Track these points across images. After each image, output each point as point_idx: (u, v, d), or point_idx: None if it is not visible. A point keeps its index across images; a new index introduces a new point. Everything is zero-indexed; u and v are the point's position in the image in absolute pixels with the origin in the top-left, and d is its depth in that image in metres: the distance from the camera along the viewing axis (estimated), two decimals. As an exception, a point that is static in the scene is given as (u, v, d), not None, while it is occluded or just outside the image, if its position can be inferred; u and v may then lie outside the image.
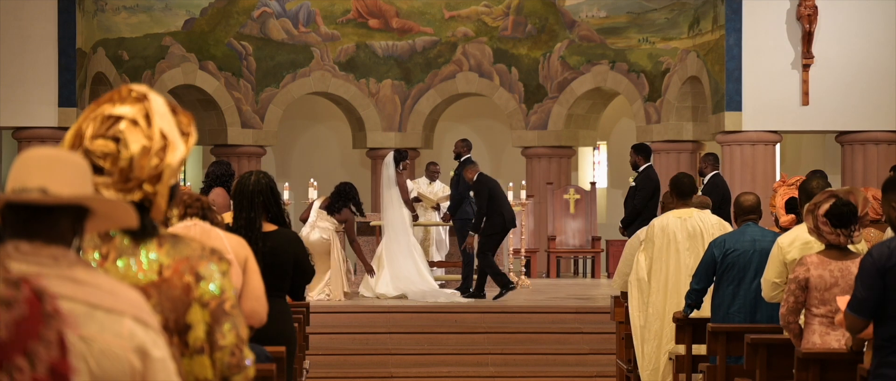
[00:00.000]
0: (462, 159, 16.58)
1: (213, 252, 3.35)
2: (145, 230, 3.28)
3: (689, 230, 9.96)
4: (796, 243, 7.73)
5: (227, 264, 3.36)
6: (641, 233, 10.48)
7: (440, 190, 17.91)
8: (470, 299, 15.82)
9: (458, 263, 16.83)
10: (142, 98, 3.21)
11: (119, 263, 3.28)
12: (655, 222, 10.15)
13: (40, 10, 18.36)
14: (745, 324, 8.84)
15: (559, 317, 15.04)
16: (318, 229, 15.45)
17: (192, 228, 5.87)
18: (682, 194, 10.13)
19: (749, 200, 9.26)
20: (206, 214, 6.05)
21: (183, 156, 3.20)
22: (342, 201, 15.48)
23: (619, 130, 23.13)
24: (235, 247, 5.89)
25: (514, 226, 16.04)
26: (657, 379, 10.03)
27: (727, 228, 10.09)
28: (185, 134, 3.22)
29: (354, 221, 15.66)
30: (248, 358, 3.35)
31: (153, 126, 3.18)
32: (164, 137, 3.18)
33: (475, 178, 15.80)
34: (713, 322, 9.02)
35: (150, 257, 3.28)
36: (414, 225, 16.56)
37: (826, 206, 6.87)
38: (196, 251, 3.31)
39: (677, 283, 9.93)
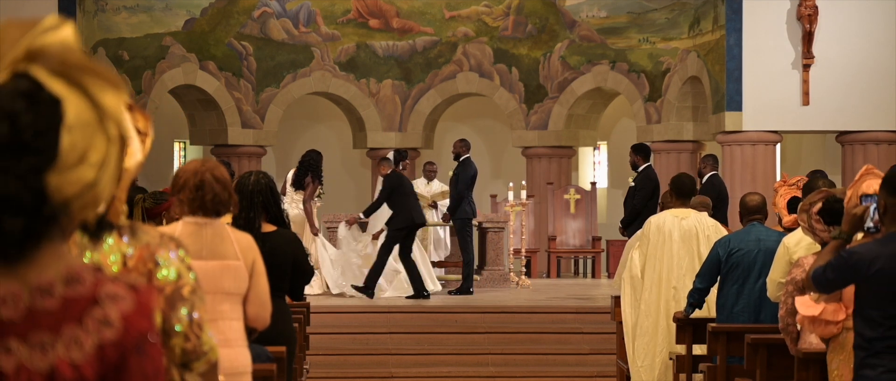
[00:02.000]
0: (461, 159, 16.59)
1: (172, 239, 3.34)
2: (102, 228, 3.26)
3: (684, 230, 9.98)
4: (803, 242, 7.72)
5: (184, 251, 3.35)
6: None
7: (437, 189, 17.93)
8: (462, 296, 15.96)
9: (459, 263, 16.84)
10: None
11: (84, 259, 3.27)
12: (652, 219, 10.18)
13: (40, 10, 18.36)
14: (749, 324, 8.85)
15: (559, 317, 15.04)
16: (293, 203, 15.77)
17: (205, 227, 5.69)
18: (682, 193, 10.16)
19: (754, 200, 9.27)
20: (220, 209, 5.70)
21: (141, 159, 3.07)
22: (303, 171, 15.80)
23: (619, 130, 23.14)
24: (245, 248, 5.72)
25: (423, 224, 15.98)
26: (652, 377, 10.03)
27: (723, 231, 10.11)
28: (142, 134, 3.09)
29: (313, 187, 15.88)
30: (208, 344, 3.31)
31: None
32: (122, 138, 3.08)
33: (388, 172, 15.85)
34: (717, 322, 9.03)
35: (112, 249, 3.27)
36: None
37: (819, 204, 6.87)
38: (155, 239, 3.31)
39: (669, 281, 9.95)
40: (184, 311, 3.27)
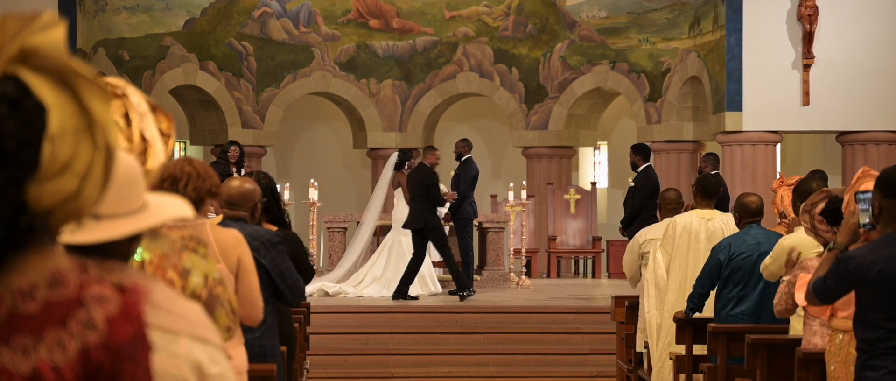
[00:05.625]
0: (463, 159, 16.58)
1: (191, 239, 3.32)
2: None
3: (711, 231, 9.86)
4: (801, 243, 7.71)
5: (203, 246, 3.34)
6: (642, 234, 10.44)
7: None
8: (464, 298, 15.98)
9: (459, 263, 16.82)
10: (120, 94, 3.03)
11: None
12: (678, 219, 10.00)
13: (40, 10, 18.34)
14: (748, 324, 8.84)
15: (559, 317, 15.04)
16: None
17: (181, 230, 5.51)
18: (707, 194, 10.06)
19: (754, 201, 9.22)
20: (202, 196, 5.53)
21: (163, 161, 3.05)
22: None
23: (619, 130, 23.14)
24: (226, 247, 5.29)
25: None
26: (671, 378, 9.99)
27: None
28: (164, 135, 3.06)
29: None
30: (238, 333, 3.33)
31: (133, 127, 3.02)
32: (144, 140, 3.03)
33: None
34: (714, 323, 9.01)
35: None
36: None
37: (822, 205, 6.86)
38: (176, 245, 3.29)
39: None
40: (220, 312, 3.28)
